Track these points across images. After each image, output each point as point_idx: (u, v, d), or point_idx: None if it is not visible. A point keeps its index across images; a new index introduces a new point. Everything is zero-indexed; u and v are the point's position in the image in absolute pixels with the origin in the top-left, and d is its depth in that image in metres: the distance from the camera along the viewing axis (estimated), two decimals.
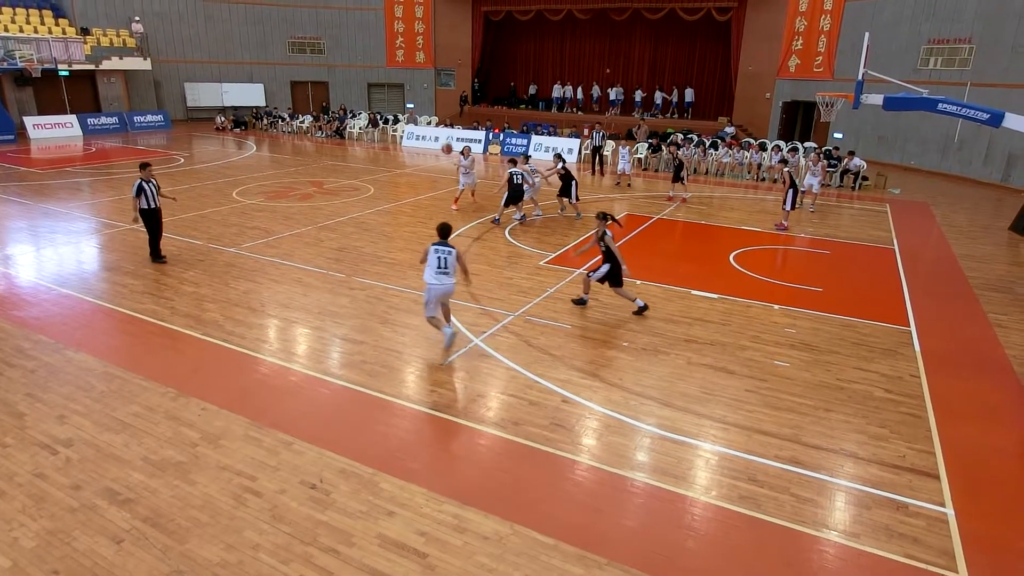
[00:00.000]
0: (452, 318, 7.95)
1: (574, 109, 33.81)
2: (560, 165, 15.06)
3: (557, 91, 34.02)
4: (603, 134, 21.78)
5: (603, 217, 9.03)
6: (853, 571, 4.53)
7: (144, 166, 10.80)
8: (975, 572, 4.53)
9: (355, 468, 5.50)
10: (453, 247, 7.36)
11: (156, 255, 11.04)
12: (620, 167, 19.77)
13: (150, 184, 10.68)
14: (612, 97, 32.73)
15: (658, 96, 32.20)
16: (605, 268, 8.91)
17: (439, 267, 7.28)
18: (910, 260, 12.32)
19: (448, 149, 17.97)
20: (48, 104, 29.24)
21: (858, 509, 5.17)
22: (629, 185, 19.70)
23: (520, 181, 13.93)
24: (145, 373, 7.07)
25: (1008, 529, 5.05)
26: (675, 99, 31.97)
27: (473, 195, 16.21)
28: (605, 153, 22.39)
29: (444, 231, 7.46)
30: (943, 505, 5.23)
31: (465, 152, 15.42)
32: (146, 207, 10.68)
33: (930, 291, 10.61)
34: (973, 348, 8.47)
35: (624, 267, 8.86)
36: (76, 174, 19.53)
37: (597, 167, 21.73)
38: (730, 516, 5.04)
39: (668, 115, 31.74)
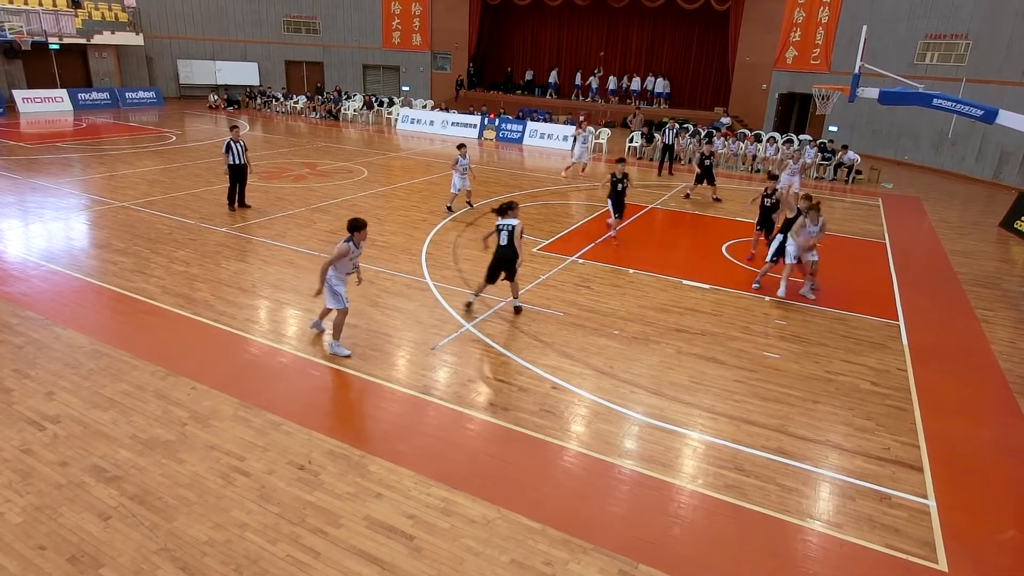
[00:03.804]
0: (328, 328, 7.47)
1: (580, 96, 33.52)
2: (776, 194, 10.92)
3: (553, 77, 33.80)
4: (675, 131, 20.17)
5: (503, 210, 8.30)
6: (835, 560, 4.60)
7: (233, 128, 13.03)
8: (954, 563, 4.60)
9: (344, 450, 5.51)
10: (350, 241, 6.94)
11: (242, 202, 13.18)
12: (577, 155, 18.58)
13: (237, 144, 12.77)
14: (593, 86, 32.50)
15: (636, 82, 32.13)
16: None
17: None
18: (901, 254, 12.39)
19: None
20: (38, 78, 28.84)
21: (842, 500, 5.24)
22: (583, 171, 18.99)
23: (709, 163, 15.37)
24: (134, 351, 7.03)
25: (988, 521, 5.13)
26: (652, 87, 31.88)
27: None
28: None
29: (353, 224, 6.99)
30: (925, 497, 5.30)
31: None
32: (233, 163, 12.73)
33: (919, 286, 10.69)
34: (960, 343, 8.55)
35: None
36: (66, 149, 19.30)
37: (666, 164, 19.96)
38: (716, 504, 5.09)
39: (643, 103, 31.57)
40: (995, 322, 9.24)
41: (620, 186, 11.86)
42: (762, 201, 11.06)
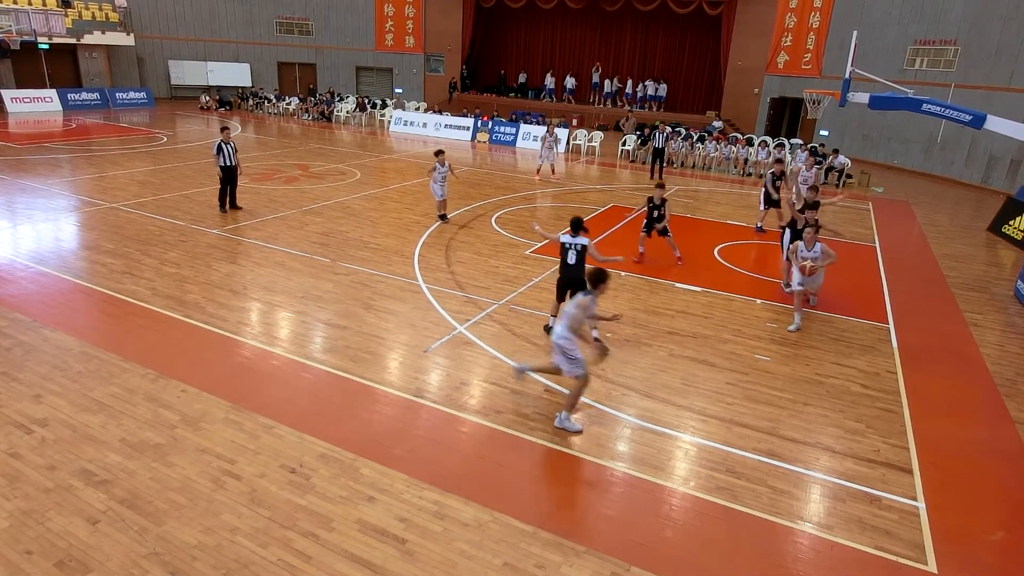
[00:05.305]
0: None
1: (575, 99, 33.51)
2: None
3: (548, 81, 33.80)
4: (666, 134, 19.85)
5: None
6: (826, 562, 4.61)
7: (223, 129, 13.02)
8: (943, 564, 4.63)
9: (336, 453, 5.49)
10: (590, 294, 6.03)
11: (233, 204, 13.09)
12: (543, 157, 18.46)
13: (228, 145, 12.72)
14: (603, 88, 32.54)
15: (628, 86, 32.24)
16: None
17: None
18: (891, 258, 12.47)
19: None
20: (27, 77, 28.63)
21: (833, 502, 5.26)
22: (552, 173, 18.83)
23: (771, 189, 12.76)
24: (124, 354, 6.98)
25: (977, 522, 5.16)
26: (643, 92, 31.98)
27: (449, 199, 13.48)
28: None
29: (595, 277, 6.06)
30: (915, 499, 5.33)
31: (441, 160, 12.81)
32: (224, 164, 12.67)
33: (909, 289, 10.77)
34: (949, 346, 8.61)
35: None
36: (55, 150, 19.16)
37: (657, 168, 19.62)
38: (708, 506, 5.10)
39: (635, 106, 31.66)
40: (983, 325, 9.31)
41: (656, 213, 10.93)
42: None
